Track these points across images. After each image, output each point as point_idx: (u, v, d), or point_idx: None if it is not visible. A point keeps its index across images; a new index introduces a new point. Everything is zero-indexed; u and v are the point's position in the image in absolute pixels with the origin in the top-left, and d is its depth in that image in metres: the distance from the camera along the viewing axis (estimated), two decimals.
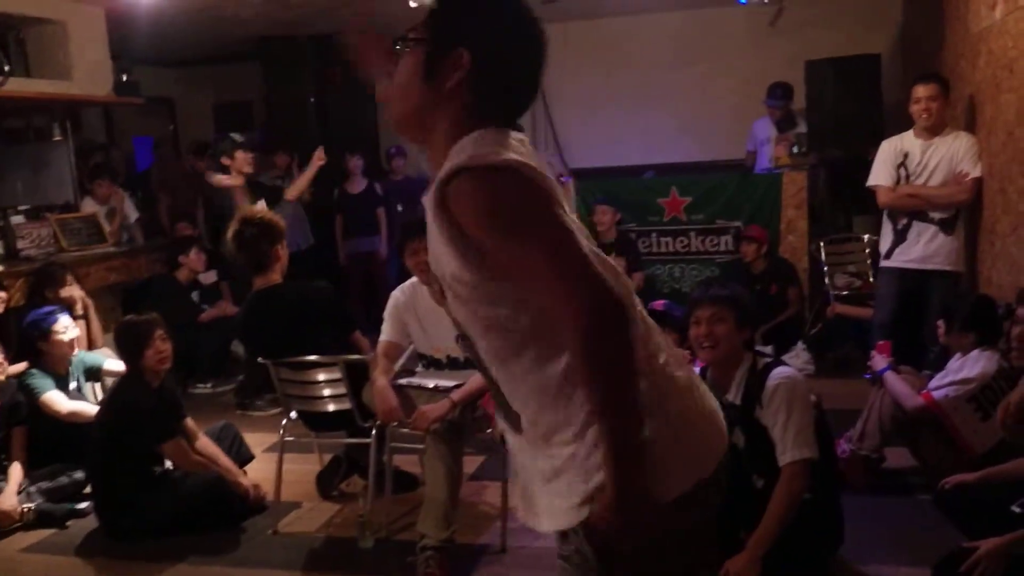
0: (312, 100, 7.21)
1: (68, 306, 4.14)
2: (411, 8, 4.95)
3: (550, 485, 1.22)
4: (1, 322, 3.99)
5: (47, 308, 3.91)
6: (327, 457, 3.69)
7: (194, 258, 5.40)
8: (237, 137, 4.97)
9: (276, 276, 3.39)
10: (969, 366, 3.09)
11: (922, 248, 4.02)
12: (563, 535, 1.25)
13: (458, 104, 1.20)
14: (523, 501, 1.32)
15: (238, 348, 5.33)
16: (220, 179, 4.94)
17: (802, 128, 6.02)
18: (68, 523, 3.45)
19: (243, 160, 4.93)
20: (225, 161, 4.93)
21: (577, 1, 6.41)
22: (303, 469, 3.69)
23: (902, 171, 4.06)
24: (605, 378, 1.07)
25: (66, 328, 3.82)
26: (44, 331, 3.75)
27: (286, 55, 7.09)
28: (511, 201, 1.09)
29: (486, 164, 1.10)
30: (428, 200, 1.16)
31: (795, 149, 5.84)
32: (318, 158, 5.18)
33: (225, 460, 3.50)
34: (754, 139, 6.27)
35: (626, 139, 7.02)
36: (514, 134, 1.20)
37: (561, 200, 1.14)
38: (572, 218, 1.15)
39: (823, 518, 2.61)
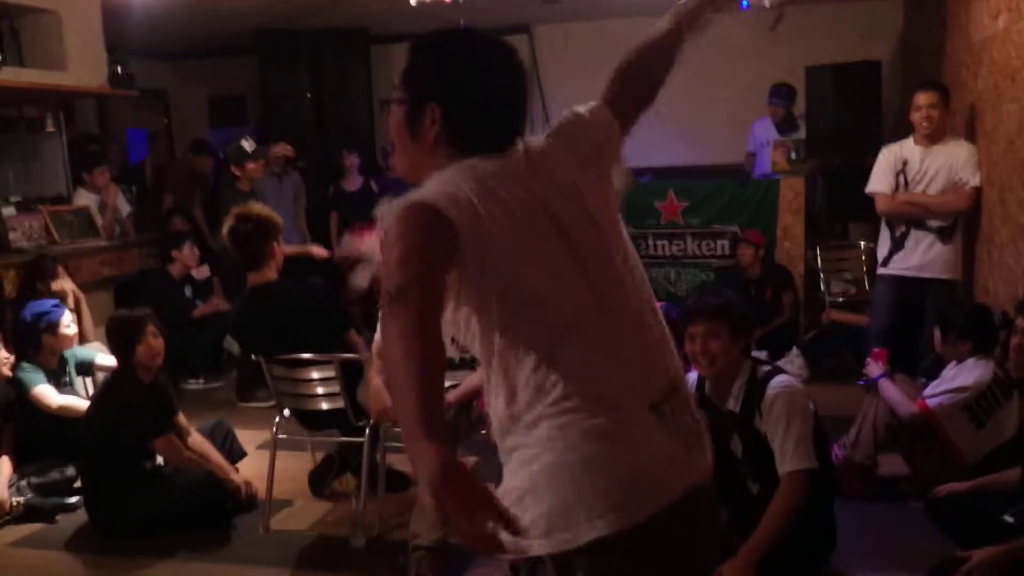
0: (308, 95, 7.17)
1: (60, 299, 4.09)
2: (411, 6, 4.92)
3: None
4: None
5: (50, 301, 3.88)
6: (320, 455, 3.67)
7: (187, 253, 5.36)
8: (247, 146, 4.94)
9: (271, 273, 3.36)
10: (964, 375, 3.09)
11: (920, 256, 4.03)
12: None
13: (443, 153, 1.30)
14: None
15: (231, 344, 5.29)
16: None
17: (801, 132, 6.03)
18: (57, 517, 3.42)
19: (254, 170, 4.91)
20: (235, 171, 4.91)
21: (577, 3, 6.40)
22: (295, 467, 3.67)
23: (901, 178, 4.07)
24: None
25: (70, 323, 3.82)
26: (52, 324, 3.72)
27: (282, 49, 7.05)
28: (391, 235, 1.16)
29: (406, 201, 1.19)
30: None
31: (793, 155, 5.85)
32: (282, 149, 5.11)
33: (217, 457, 3.47)
34: (754, 140, 6.26)
35: (624, 142, 7.00)
36: (486, 162, 1.26)
37: (451, 245, 1.17)
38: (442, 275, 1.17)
39: (816, 525, 2.60)
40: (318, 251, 5.18)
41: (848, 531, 2.71)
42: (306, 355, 3.18)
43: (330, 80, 7.18)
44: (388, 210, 1.19)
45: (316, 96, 7.18)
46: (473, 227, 1.19)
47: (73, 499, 3.47)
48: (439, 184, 1.23)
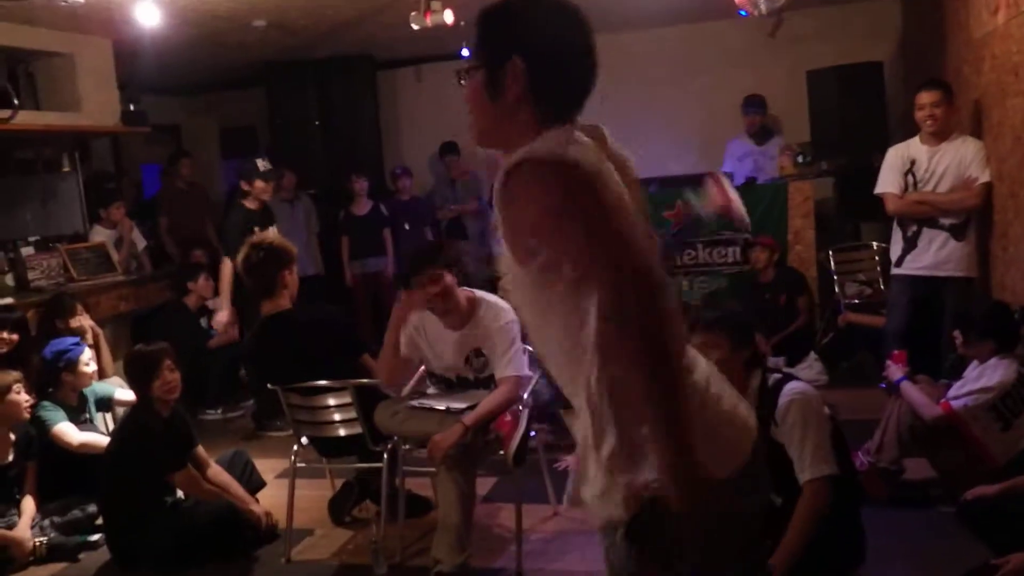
0: (316, 122, 7.25)
1: (79, 336, 4.15)
2: (413, 31, 4.97)
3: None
4: (24, 355, 3.98)
5: (70, 339, 3.92)
6: (339, 482, 3.67)
7: (203, 284, 5.42)
8: (262, 164, 4.99)
9: (284, 302, 3.38)
10: (988, 374, 3.04)
11: (933, 255, 3.99)
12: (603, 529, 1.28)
13: (527, 110, 1.29)
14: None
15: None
16: None
17: (779, 140, 6.05)
18: (80, 556, 3.43)
19: (262, 189, 4.96)
20: (244, 186, 4.96)
21: None
22: (315, 495, 3.67)
23: (910, 178, 4.04)
24: (641, 350, 1.10)
25: (90, 360, 3.87)
26: (71, 362, 3.77)
27: (289, 79, 7.15)
28: (557, 194, 1.15)
29: (538, 158, 1.17)
30: (495, 190, 1.23)
31: (800, 159, 5.83)
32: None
33: (237, 488, 3.48)
34: (731, 157, 6.28)
35: (630, 153, 6.98)
36: (580, 132, 1.28)
37: (614, 197, 1.19)
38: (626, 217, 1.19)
39: (843, 533, 2.56)
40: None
41: (877, 538, 2.66)
42: (322, 382, 3.19)
43: (337, 107, 7.26)
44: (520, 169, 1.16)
45: (324, 123, 7.26)
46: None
47: (95, 536, 3.48)
48: (566, 145, 1.21)
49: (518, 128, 1.29)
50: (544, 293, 1.24)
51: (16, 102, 4.74)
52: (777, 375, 2.58)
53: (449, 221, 7.01)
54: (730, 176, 6.25)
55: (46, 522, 3.49)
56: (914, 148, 4.05)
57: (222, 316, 4.95)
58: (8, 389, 3.45)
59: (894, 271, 4.20)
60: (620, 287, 1.11)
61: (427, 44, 6.53)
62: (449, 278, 2.97)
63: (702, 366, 1.36)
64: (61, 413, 3.72)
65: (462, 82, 1.34)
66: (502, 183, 1.20)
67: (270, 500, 3.59)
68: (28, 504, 3.51)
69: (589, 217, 1.14)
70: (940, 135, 3.97)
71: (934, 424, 3.08)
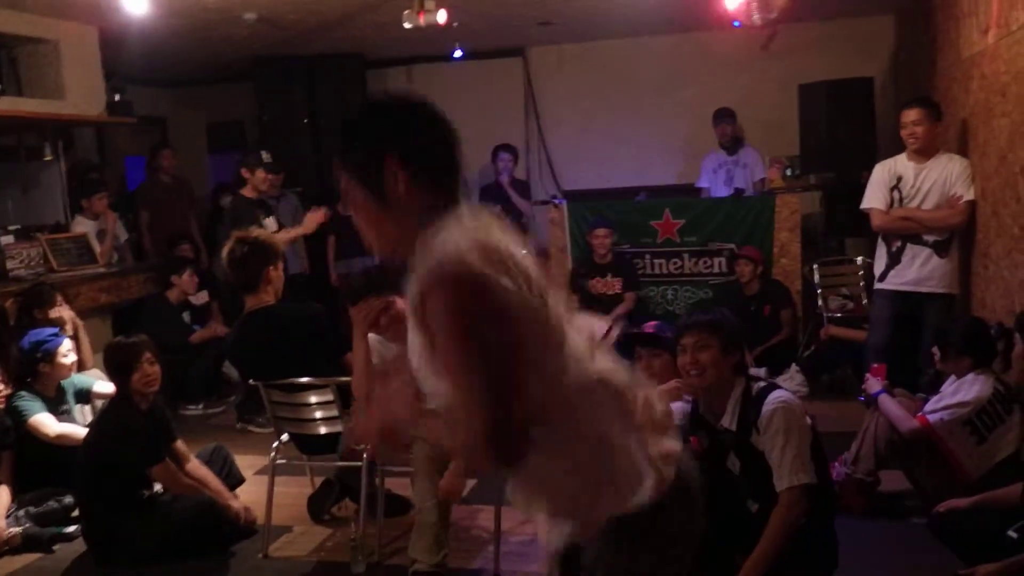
0: (305, 120, 7.21)
1: (58, 327, 4.09)
2: (405, 30, 4.96)
3: None
4: (1, 345, 3.92)
5: (48, 330, 3.87)
6: (319, 480, 3.65)
7: (186, 280, 5.37)
8: (266, 156, 4.97)
9: (268, 297, 3.36)
10: (964, 390, 3.08)
11: (916, 271, 4.03)
12: None
13: (414, 203, 1.32)
14: None
15: (230, 369, 5.28)
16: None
17: (749, 147, 6.21)
18: (55, 547, 3.39)
19: (260, 179, 4.94)
20: (245, 173, 4.92)
21: (571, 24, 6.46)
22: (294, 492, 3.65)
23: (895, 194, 4.09)
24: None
25: (68, 351, 3.81)
26: (49, 353, 3.72)
27: (279, 75, 7.10)
28: (463, 308, 1.20)
29: (450, 271, 1.21)
30: (409, 298, 1.28)
31: (788, 172, 5.88)
32: (315, 219, 5.13)
33: (215, 483, 3.45)
34: (706, 171, 6.38)
35: (619, 161, 7.04)
36: (468, 214, 1.31)
37: (517, 282, 1.24)
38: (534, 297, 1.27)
39: (817, 542, 2.58)
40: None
41: (850, 548, 2.68)
42: (304, 379, 3.18)
43: (326, 105, 7.22)
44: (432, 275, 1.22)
45: (313, 121, 7.22)
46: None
47: (71, 528, 3.45)
48: (468, 249, 1.23)
49: (406, 222, 1.32)
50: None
51: None
52: (762, 383, 2.60)
53: None
54: (708, 190, 6.36)
55: (21, 512, 3.45)
56: (901, 164, 4.10)
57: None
58: None
59: (877, 286, 4.24)
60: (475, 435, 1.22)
61: (418, 44, 6.53)
62: (400, 303, 2.77)
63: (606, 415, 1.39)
64: (39, 404, 3.68)
65: (339, 207, 1.43)
66: (418, 299, 1.25)
67: (249, 496, 3.56)
68: (3, 494, 3.47)
69: (486, 349, 1.21)
70: (926, 152, 4.02)
71: (911, 437, 3.11)
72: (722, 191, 6.23)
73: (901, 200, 4.07)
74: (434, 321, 1.23)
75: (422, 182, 1.32)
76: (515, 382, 1.23)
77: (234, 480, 3.64)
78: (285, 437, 3.40)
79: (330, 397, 3.17)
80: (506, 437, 1.22)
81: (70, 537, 3.42)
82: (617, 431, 1.38)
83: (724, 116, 6.27)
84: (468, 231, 1.26)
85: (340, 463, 3.39)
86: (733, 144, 6.29)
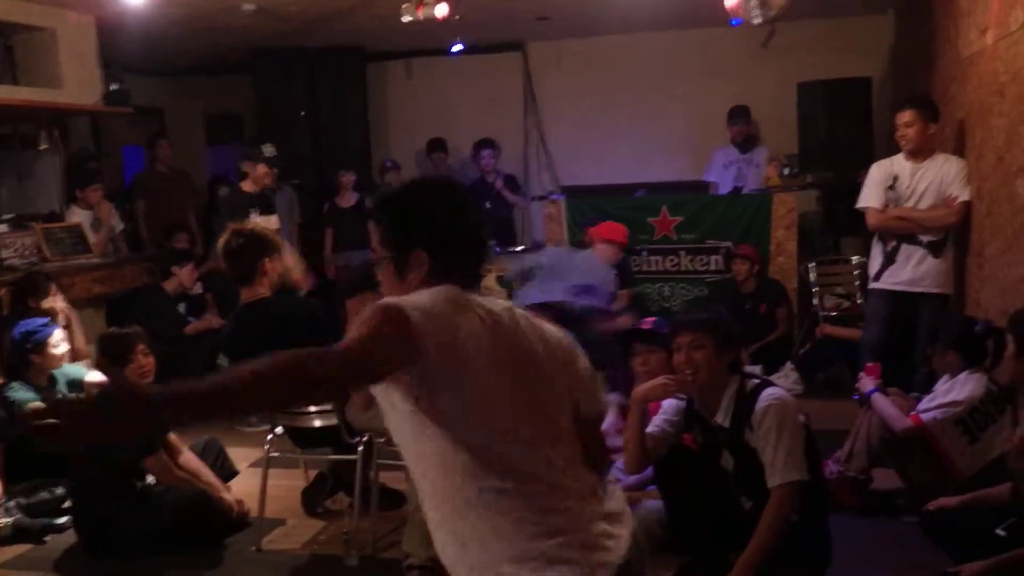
0: (304, 113, 7.19)
1: (51, 317, 4.08)
2: (404, 23, 4.95)
3: None
4: None
5: (39, 319, 3.86)
6: (313, 473, 3.65)
7: (187, 273, 5.35)
8: (268, 150, 4.95)
9: (262, 290, 3.34)
10: (957, 389, 3.09)
11: (911, 270, 4.04)
12: None
13: (429, 283, 1.47)
14: None
15: (225, 361, 5.26)
16: None
17: (763, 148, 6.17)
18: (46, 538, 3.38)
19: (264, 174, 4.92)
20: (246, 167, 4.90)
21: (570, 20, 6.45)
22: (288, 485, 3.65)
23: (891, 193, 4.09)
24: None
25: (59, 342, 3.80)
26: (39, 343, 3.70)
27: (278, 67, 7.08)
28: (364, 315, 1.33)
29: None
30: None
31: (786, 171, 5.88)
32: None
33: (208, 475, 3.45)
34: (716, 166, 6.37)
35: (617, 157, 7.04)
36: (466, 294, 1.44)
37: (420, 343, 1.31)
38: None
39: (811, 540, 2.59)
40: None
41: (843, 545, 2.69)
42: None
43: (326, 98, 7.21)
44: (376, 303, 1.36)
45: (312, 113, 7.21)
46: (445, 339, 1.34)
47: (62, 520, 3.44)
48: (420, 297, 1.39)
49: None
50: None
51: None
52: (755, 380, 2.60)
53: None
54: (716, 185, 6.36)
55: (12, 503, 3.45)
56: (897, 164, 4.11)
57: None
58: None
59: (872, 285, 4.25)
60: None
61: (418, 38, 6.52)
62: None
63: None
64: (31, 394, 3.66)
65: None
66: None
67: (243, 489, 3.56)
68: None
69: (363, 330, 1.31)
70: (922, 153, 4.03)
71: (904, 436, 3.13)
72: (731, 188, 6.19)
73: (897, 200, 4.08)
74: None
75: (440, 273, 1.47)
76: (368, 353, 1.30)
77: (227, 472, 3.63)
78: (279, 430, 3.39)
79: None
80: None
81: (61, 528, 3.42)
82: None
83: (739, 115, 6.27)
84: (447, 302, 1.39)
85: (334, 456, 3.39)
86: (746, 143, 6.27)
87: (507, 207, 6.85)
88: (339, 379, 1.32)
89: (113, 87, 5.61)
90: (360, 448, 3.13)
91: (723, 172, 6.35)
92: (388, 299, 1.38)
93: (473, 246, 1.54)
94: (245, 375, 1.20)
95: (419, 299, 1.37)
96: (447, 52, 6.89)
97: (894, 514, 3.21)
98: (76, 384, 3.97)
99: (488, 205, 6.73)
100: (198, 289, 5.54)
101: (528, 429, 1.42)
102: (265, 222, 4.63)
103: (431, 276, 1.47)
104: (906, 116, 3.99)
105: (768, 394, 2.51)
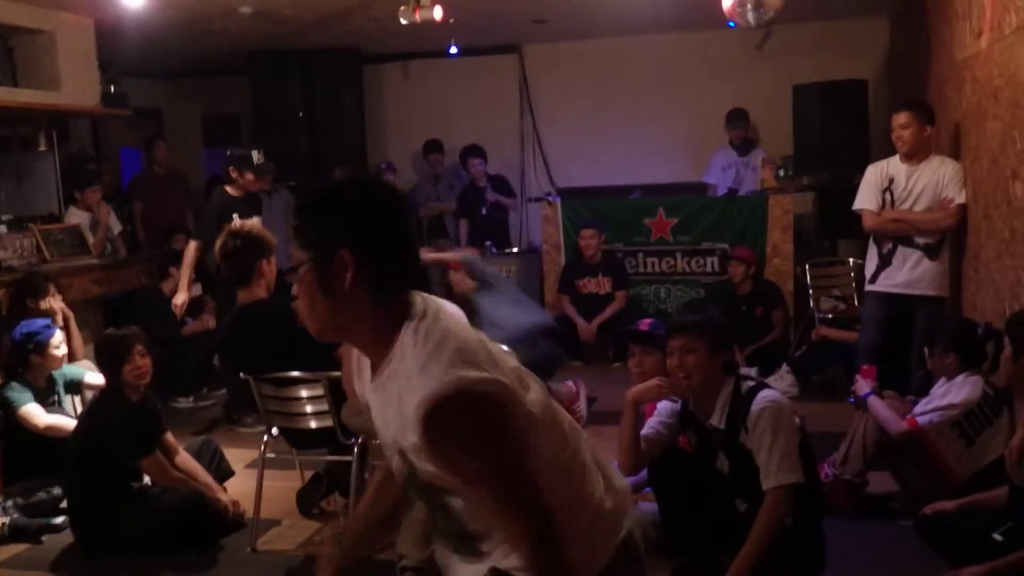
0: (300, 114, 7.20)
1: (49, 317, 4.08)
2: (401, 25, 4.96)
3: None
4: None
5: (40, 320, 3.86)
6: (308, 474, 3.65)
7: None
8: (256, 157, 4.93)
9: (260, 291, 3.35)
10: (954, 392, 3.10)
11: (907, 273, 4.05)
12: None
13: (361, 297, 1.30)
14: None
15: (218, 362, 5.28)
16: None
17: (760, 150, 6.26)
18: (43, 538, 3.39)
19: (251, 182, 4.92)
20: (233, 174, 4.90)
21: (566, 22, 6.46)
22: (283, 486, 3.65)
23: (887, 196, 4.10)
24: None
25: (60, 343, 3.81)
26: (41, 345, 3.71)
27: (274, 69, 7.10)
28: (476, 427, 1.22)
29: (457, 390, 1.20)
30: (410, 418, 1.24)
31: (781, 172, 5.90)
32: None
33: (204, 476, 3.45)
34: (715, 168, 6.40)
35: (613, 159, 7.05)
36: (432, 311, 1.30)
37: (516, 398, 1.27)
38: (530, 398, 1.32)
39: (805, 543, 2.60)
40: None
41: (838, 549, 2.70)
42: (294, 373, 3.18)
43: (322, 99, 7.22)
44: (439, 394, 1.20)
45: (308, 115, 7.22)
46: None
47: (59, 519, 3.44)
48: (462, 362, 1.24)
49: (354, 315, 1.31)
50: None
51: None
52: (751, 383, 2.61)
53: (430, 220, 7.01)
54: (714, 187, 6.39)
55: (9, 503, 3.45)
56: (893, 166, 4.12)
57: (179, 299, 4.87)
58: None
59: (868, 288, 4.26)
60: (533, 540, 1.24)
61: (414, 40, 6.53)
62: None
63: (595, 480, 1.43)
64: (28, 394, 3.67)
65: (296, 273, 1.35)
66: (426, 425, 1.22)
67: (238, 489, 3.56)
68: None
69: (506, 455, 1.23)
70: (917, 155, 4.04)
71: (900, 439, 3.13)
72: (728, 190, 6.22)
73: (893, 202, 4.09)
74: (448, 444, 1.23)
75: (372, 280, 1.29)
76: (534, 480, 1.25)
77: (223, 473, 3.63)
78: (275, 431, 3.39)
79: (321, 391, 3.17)
80: (549, 536, 1.24)
81: (58, 528, 3.42)
82: (580, 492, 1.39)
83: (738, 118, 6.34)
84: (439, 341, 1.26)
85: (329, 457, 3.39)
86: (744, 145, 6.34)
87: (502, 209, 6.87)
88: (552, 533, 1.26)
89: (111, 89, 5.62)
90: (355, 449, 3.14)
91: (722, 174, 6.40)
92: (474, 389, 1.20)
93: (409, 253, 1.36)
94: None
95: (463, 349, 1.24)
96: (444, 54, 6.91)
97: (889, 517, 3.21)
98: (74, 385, 3.98)
99: (484, 212, 6.76)
100: (196, 291, 5.54)
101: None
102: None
103: (362, 286, 1.28)
104: (902, 118, 4.01)
105: (763, 396, 2.52)
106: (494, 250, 6.37)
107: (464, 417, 1.21)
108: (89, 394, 3.97)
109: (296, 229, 1.35)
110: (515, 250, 6.58)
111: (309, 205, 1.36)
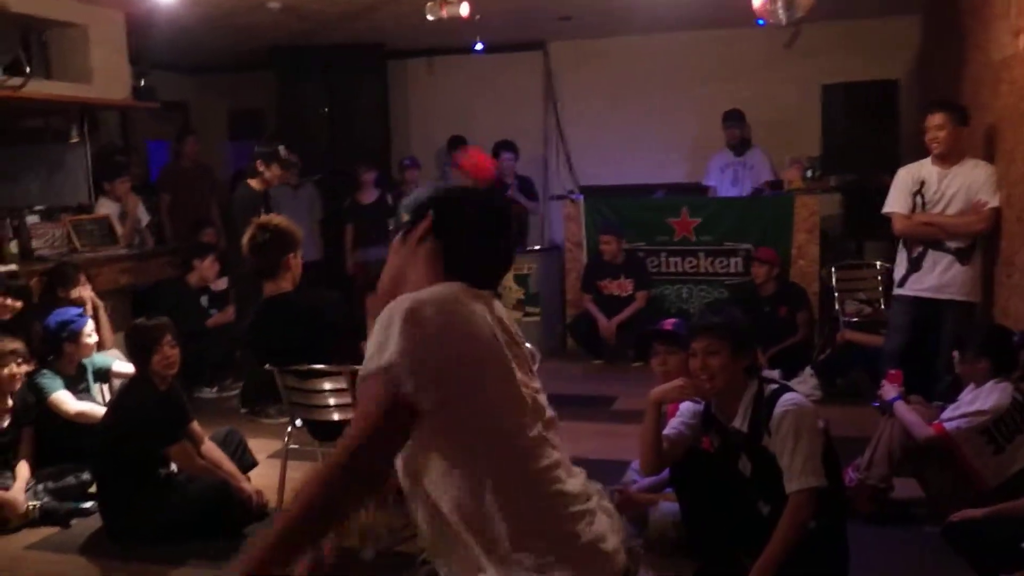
0: (324, 109, 7.24)
1: (80, 307, 4.16)
2: (426, 21, 4.97)
3: None
4: (26, 323, 3.98)
5: (73, 310, 3.94)
6: None
7: (208, 265, 5.41)
8: (284, 152, 5.00)
9: (286, 284, 3.39)
10: (983, 398, 3.05)
11: (937, 277, 3.99)
12: None
13: (427, 253, 1.45)
14: None
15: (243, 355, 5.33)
16: None
17: (757, 149, 6.26)
18: (72, 522, 3.45)
19: (276, 176, 4.98)
20: (260, 167, 4.96)
21: (593, 20, 6.44)
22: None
23: (919, 199, 4.04)
24: (323, 487, 1.30)
25: (91, 332, 3.89)
26: (74, 333, 3.79)
27: (299, 64, 7.15)
28: (393, 331, 1.29)
29: (426, 301, 1.32)
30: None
31: (808, 173, 5.84)
32: None
33: (229, 465, 3.50)
34: (714, 170, 6.40)
35: (638, 157, 7.02)
36: (479, 292, 1.40)
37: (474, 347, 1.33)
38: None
39: (828, 547, 2.57)
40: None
41: (861, 554, 2.67)
42: (318, 366, 3.20)
43: (346, 94, 7.26)
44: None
45: (332, 110, 7.26)
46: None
47: (88, 504, 3.50)
48: (446, 299, 1.35)
49: (414, 267, 1.46)
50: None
51: (28, 70, 4.74)
52: (774, 386, 2.59)
53: None
54: (714, 189, 6.37)
55: (40, 487, 3.52)
56: (925, 169, 4.06)
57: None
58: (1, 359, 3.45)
59: (896, 291, 4.20)
60: (343, 457, 1.31)
61: (439, 36, 6.54)
62: None
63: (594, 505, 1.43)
64: (59, 381, 3.74)
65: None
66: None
67: (261, 480, 3.60)
68: (23, 468, 3.53)
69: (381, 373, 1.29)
70: (950, 157, 3.97)
71: (926, 444, 3.09)
72: (728, 191, 6.25)
73: (924, 205, 4.03)
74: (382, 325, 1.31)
75: (439, 251, 1.43)
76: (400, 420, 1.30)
77: (247, 463, 3.67)
78: (298, 423, 3.43)
79: (344, 384, 3.20)
80: (355, 467, 1.31)
81: (87, 512, 3.48)
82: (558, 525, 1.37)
83: (733, 118, 6.32)
84: (457, 299, 1.35)
85: None
86: (741, 146, 6.33)
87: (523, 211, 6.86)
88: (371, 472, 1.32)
89: (141, 82, 5.69)
90: None
91: (720, 175, 6.40)
92: (385, 357, 1.28)
93: (493, 252, 1.48)
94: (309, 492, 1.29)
95: (422, 323, 1.29)
96: (469, 50, 6.92)
97: (915, 524, 3.17)
98: (103, 373, 4.05)
99: None
100: (223, 285, 5.60)
101: (532, 420, 1.39)
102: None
103: (432, 247, 1.44)
104: (937, 119, 3.94)
105: (786, 399, 2.50)
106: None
107: (415, 315, 1.29)
108: (117, 382, 4.04)
109: (411, 204, 1.51)
110: (537, 248, 6.57)
111: (432, 194, 1.51)
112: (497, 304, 1.45)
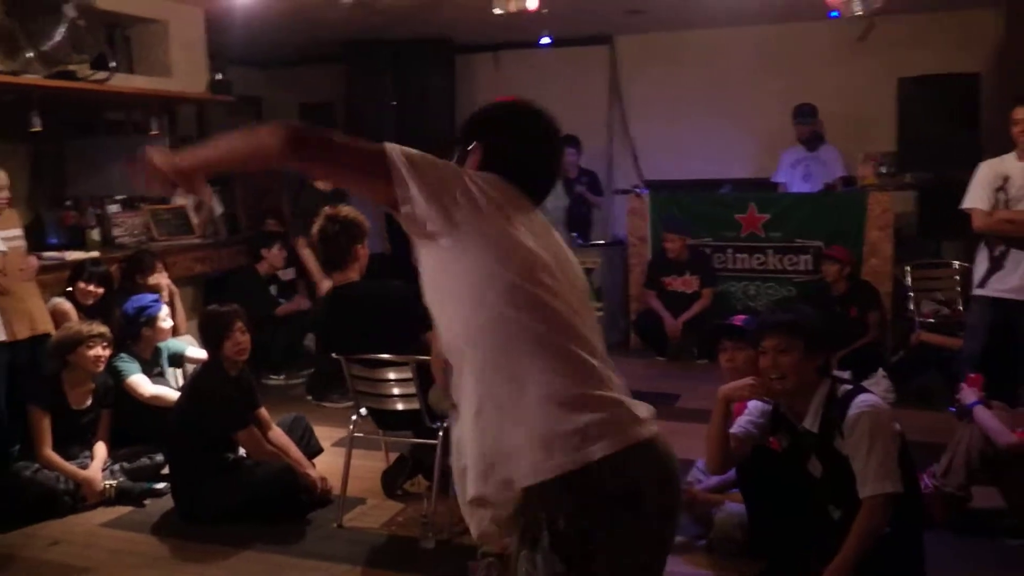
0: (393, 103, 7.33)
1: (157, 293, 4.31)
2: (493, 15, 4.97)
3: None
4: (107, 308, 4.16)
5: (150, 296, 4.10)
6: (393, 455, 3.73)
7: (276, 253, 5.56)
8: None
9: (354, 274, 3.45)
10: None
11: (1020, 277, 3.81)
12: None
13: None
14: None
15: (310, 342, 5.45)
16: None
17: (829, 145, 6.03)
18: (146, 502, 3.58)
19: None
20: None
21: (660, 12, 6.35)
22: (369, 465, 3.75)
23: (1001, 195, 3.87)
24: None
25: (167, 317, 4.04)
26: (152, 318, 3.94)
27: (368, 58, 7.25)
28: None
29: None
30: None
31: (883, 169, 5.65)
32: None
33: (295, 451, 3.58)
34: (784, 165, 6.21)
35: (704, 153, 6.90)
36: (513, 189, 1.50)
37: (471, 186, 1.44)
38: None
39: (903, 555, 2.49)
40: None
41: (938, 565, 2.58)
42: (384, 355, 3.25)
43: (414, 89, 7.33)
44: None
45: (400, 104, 7.34)
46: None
47: (161, 485, 3.63)
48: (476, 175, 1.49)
49: None
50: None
51: (112, 64, 4.93)
52: (848, 386, 2.51)
53: None
54: (784, 185, 6.20)
55: (116, 467, 3.66)
56: (1008, 164, 3.88)
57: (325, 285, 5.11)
58: (82, 341, 3.58)
59: (976, 292, 4.03)
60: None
61: (506, 30, 6.54)
62: None
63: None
64: (136, 365, 3.88)
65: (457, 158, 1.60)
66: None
67: (326, 467, 3.68)
68: (100, 449, 3.68)
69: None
70: None
71: (1008, 451, 2.96)
72: (800, 187, 6.06)
73: (1007, 202, 3.85)
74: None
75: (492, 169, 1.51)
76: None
77: (313, 450, 3.75)
78: (363, 411, 3.48)
79: (409, 375, 3.23)
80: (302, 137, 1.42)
81: (160, 493, 3.61)
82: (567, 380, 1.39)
83: (805, 113, 6.10)
84: (490, 182, 1.47)
85: (415, 440, 3.46)
86: (813, 141, 6.11)
87: (586, 204, 6.82)
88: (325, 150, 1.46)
89: (217, 77, 5.86)
90: (441, 433, 3.19)
91: (791, 171, 6.20)
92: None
93: (537, 162, 1.57)
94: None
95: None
96: (535, 44, 6.90)
97: (995, 535, 3.04)
98: (177, 358, 4.20)
99: (568, 201, 6.72)
100: (290, 275, 5.73)
101: (552, 280, 1.42)
102: None
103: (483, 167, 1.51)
104: (1022, 113, 3.76)
105: (861, 400, 2.42)
106: (579, 241, 6.34)
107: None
108: (190, 367, 4.18)
109: (462, 131, 1.62)
110: (601, 242, 6.53)
111: (473, 114, 1.64)
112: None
